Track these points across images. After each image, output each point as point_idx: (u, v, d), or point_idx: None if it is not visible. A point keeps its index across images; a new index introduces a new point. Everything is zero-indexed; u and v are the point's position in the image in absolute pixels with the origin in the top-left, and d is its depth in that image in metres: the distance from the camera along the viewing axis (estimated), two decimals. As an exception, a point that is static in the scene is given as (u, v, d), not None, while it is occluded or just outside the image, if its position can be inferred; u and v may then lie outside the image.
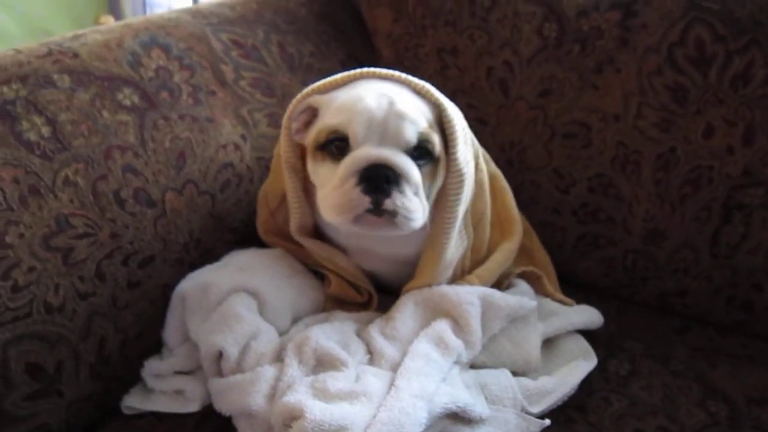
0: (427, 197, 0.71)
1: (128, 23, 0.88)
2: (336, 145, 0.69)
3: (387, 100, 0.68)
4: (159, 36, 0.87)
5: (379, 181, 0.66)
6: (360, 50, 1.12)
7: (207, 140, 0.84)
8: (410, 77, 0.74)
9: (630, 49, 0.93)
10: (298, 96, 0.76)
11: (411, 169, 0.68)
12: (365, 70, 0.74)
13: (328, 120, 0.70)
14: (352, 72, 0.75)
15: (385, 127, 0.68)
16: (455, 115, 0.74)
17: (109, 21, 2.14)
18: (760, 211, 0.88)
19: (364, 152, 0.67)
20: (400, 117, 0.68)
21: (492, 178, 0.84)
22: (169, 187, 0.79)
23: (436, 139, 0.70)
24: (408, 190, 0.67)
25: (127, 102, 0.79)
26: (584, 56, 0.96)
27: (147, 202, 0.76)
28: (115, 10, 2.34)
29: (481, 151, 0.82)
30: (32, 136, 0.70)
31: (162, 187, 0.78)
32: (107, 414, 0.75)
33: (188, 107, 0.84)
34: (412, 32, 1.09)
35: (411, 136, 0.68)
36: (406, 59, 1.10)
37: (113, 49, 0.82)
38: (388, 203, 0.66)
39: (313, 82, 1.01)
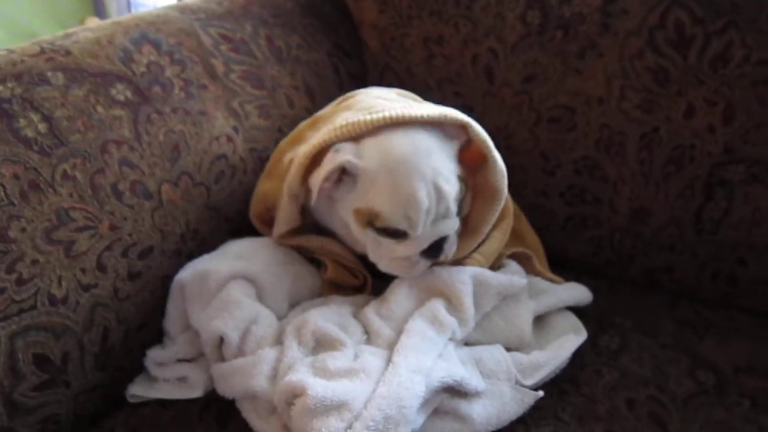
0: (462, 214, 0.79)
1: (118, 21, 0.90)
2: (392, 234, 0.74)
3: (432, 186, 0.71)
4: (149, 32, 0.88)
5: (435, 249, 0.76)
6: (346, 41, 1.14)
7: (200, 133, 0.85)
8: (429, 110, 0.75)
9: (611, 33, 0.95)
10: (319, 140, 0.75)
11: (455, 225, 0.76)
12: (389, 116, 0.73)
13: (378, 208, 0.72)
14: (377, 118, 0.73)
15: (436, 210, 0.73)
16: (479, 127, 0.76)
17: (94, 23, 2.14)
18: (741, 187, 0.90)
19: (424, 239, 0.74)
20: (445, 199, 0.72)
21: None
22: (165, 179, 0.80)
23: (464, 184, 0.76)
24: (451, 236, 0.77)
25: (121, 97, 0.80)
26: (567, 42, 0.98)
27: (144, 194, 0.78)
28: (101, 12, 2.34)
29: None
30: (30, 133, 0.71)
31: (158, 180, 0.80)
32: (113, 404, 0.77)
33: (181, 101, 0.85)
34: (398, 23, 1.10)
35: (454, 208, 0.74)
36: (392, 49, 1.12)
37: (105, 46, 0.83)
38: (442, 257, 0.77)
39: (302, 73, 1.04)
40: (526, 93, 1.01)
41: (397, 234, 0.74)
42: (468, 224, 0.81)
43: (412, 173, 0.71)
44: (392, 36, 1.11)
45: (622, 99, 0.95)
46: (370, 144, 0.73)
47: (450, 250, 0.77)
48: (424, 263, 0.76)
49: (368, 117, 0.73)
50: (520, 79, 1.02)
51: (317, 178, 0.73)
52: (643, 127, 0.94)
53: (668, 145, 0.93)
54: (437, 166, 0.72)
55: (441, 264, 0.80)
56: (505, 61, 1.02)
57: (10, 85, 0.73)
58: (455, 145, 0.76)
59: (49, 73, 0.76)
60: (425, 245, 0.74)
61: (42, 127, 0.72)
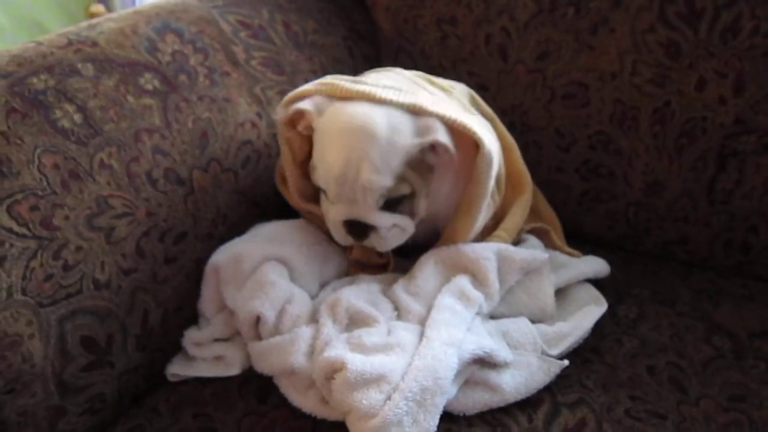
0: (414, 215, 0.79)
1: (138, 10, 0.91)
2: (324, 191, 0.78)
3: (354, 168, 0.72)
4: (170, 21, 0.90)
5: (356, 229, 0.77)
6: (360, 24, 1.15)
7: (226, 119, 0.87)
8: (402, 97, 0.76)
9: (623, 8, 0.96)
10: (302, 88, 0.79)
11: (380, 220, 0.76)
12: (362, 90, 0.76)
13: (314, 162, 0.77)
14: (348, 89, 0.76)
15: (354, 193, 0.74)
16: (466, 119, 0.76)
17: (99, 10, 2.14)
18: (752, 157, 0.93)
19: (338, 213, 0.77)
20: (365, 188, 0.73)
21: (499, 137, 0.89)
22: (195, 165, 0.83)
23: (406, 186, 0.76)
24: (382, 231, 0.77)
25: (149, 86, 0.82)
26: (579, 18, 0.99)
27: (176, 180, 0.80)
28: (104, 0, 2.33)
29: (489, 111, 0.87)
30: (66, 124, 0.73)
31: (189, 166, 0.82)
32: (153, 383, 0.80)
33: (206, 88, 0.87)
34: (411, 4, 1.12)
35: (374, 201, 0.75)
36: (405, 31, 1.14)
37: (129, 36, 0.85)
38: (367, 242, 0.79)
39: (319, 58, 1.05)
40: (540, 71, 1.03)
41: (326, 193, 0.77)
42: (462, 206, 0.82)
43: (343, 145, 0.73)
44: (405, 18, 1.13)
45: (635, 74, 0.97)
46: (336, 106, 0.76)
47: (383, 243, 0.79)
48: (348, 239, 0.79)
49: (347, 85, 0.77)
50: (533, 56, 1.03)
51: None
52: (655, 101, 0.96)
53: (681, 118, 0.95)
54: (372, 154, 0.72)
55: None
56: (518, 39, 1.04)
57: (43, 77, 0.75)
58: (422, 142, 0.74)
59: (79, 65, 0.78)
60: (342, 217, 0.76)
61: (77, 117, 0.74)
